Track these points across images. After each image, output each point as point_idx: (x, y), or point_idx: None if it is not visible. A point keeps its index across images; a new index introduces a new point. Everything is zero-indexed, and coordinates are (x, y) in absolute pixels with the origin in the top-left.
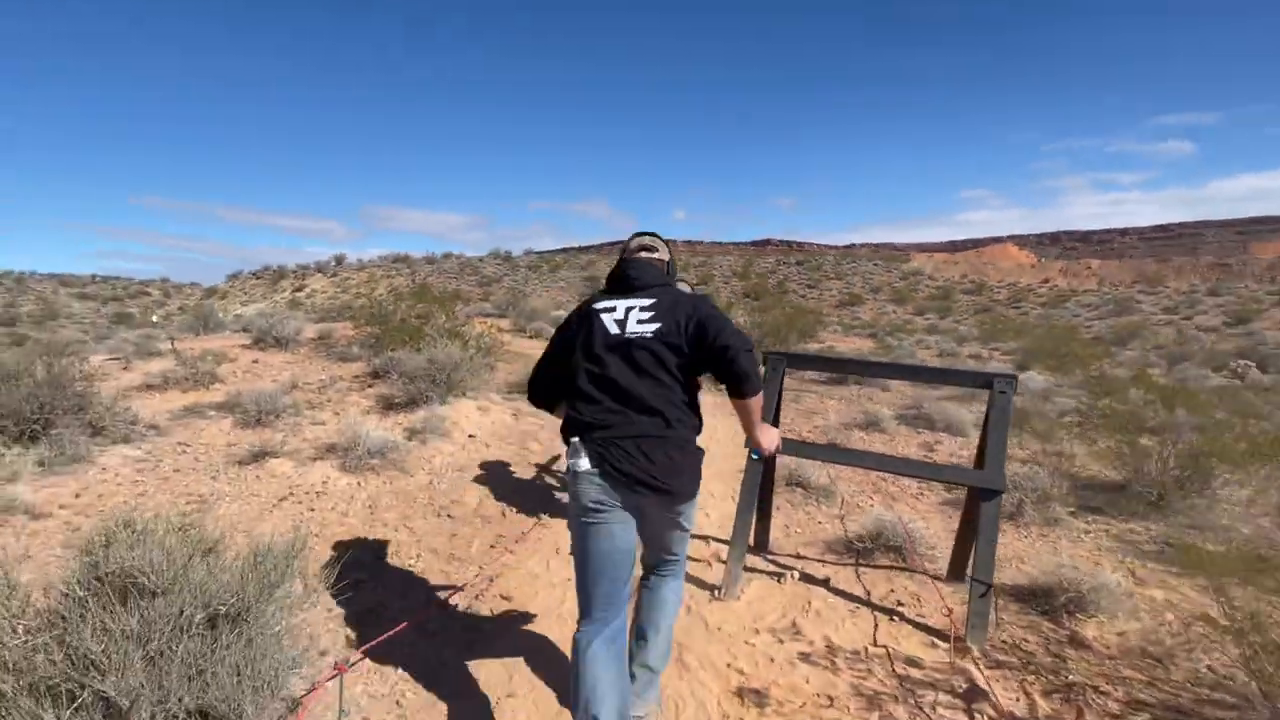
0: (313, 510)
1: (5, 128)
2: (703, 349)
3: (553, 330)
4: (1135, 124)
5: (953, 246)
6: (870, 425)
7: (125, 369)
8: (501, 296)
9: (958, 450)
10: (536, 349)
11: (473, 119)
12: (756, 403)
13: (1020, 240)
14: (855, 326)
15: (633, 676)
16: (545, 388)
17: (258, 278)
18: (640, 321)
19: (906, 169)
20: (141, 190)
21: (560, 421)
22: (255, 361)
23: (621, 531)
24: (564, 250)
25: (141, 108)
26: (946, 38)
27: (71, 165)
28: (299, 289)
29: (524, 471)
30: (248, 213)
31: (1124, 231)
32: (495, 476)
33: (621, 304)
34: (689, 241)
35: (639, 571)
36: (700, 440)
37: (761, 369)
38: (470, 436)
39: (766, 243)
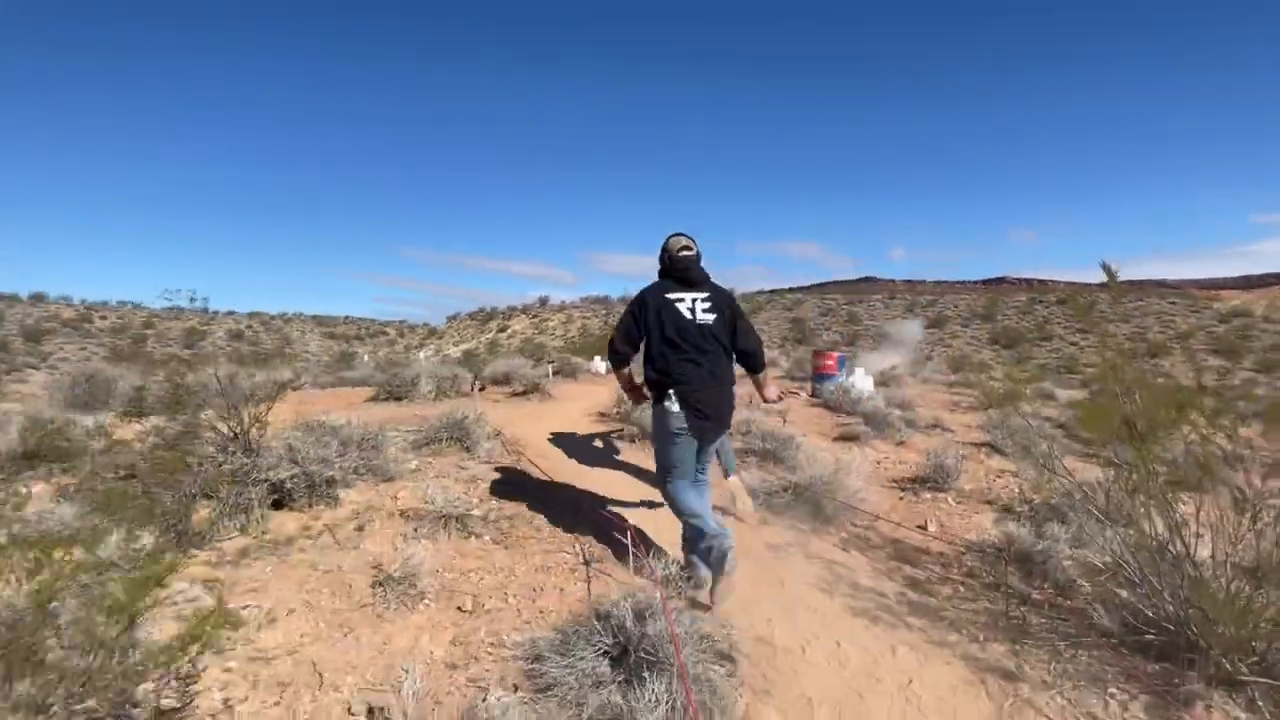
0: None
1: (309, 195)
2: (737, 340)
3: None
4: None
5: (1246, 282)
6: None
7: None
8: None
9: None
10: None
11: (682, 162)
12: (765, 375)
13: None
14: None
15: None
16: (626, 356)
17: (472, 318)
18: (704, 311)
19: (1175, 192)
20: (410, 245)
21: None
22: None
23: (688, 446)
24: (771, 291)
25: (409, 177)
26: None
27: (357, 224)
28: (503, 329)
29: None
30: (489, 261)
31: None
32: None
33: (688, 296)
34: (909, 281)
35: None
36: None
37: None
38: None
39: (1002, 280)
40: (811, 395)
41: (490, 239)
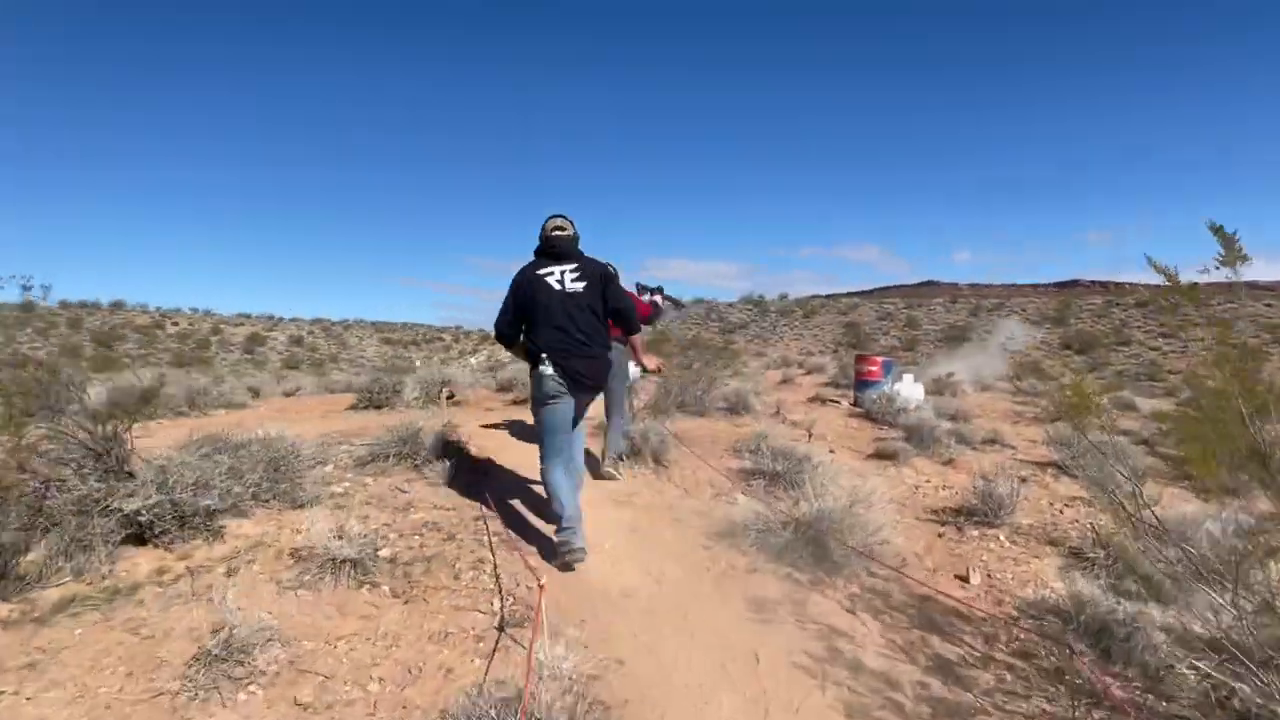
0: None
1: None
2: (608, 301)
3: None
4: None
5: None
6: None
7: None
8: (701, 352)
9: None
10: None
11: (744, 168)
12: (639, 339)
13: None
14: None
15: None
16: (510, 335)
17: None
18: (573, 280)
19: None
20: (470, 253)
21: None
22: None
23: (565, 410)
24: (826, 296)
25: (467, 184)
26: None
27: (420, 233)
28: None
29: None
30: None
31: None
32: None
33: (557, 269)
34: (974, 284)
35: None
36: None
37: None
38: None
39: (1074, 283)
40: (853, 404)
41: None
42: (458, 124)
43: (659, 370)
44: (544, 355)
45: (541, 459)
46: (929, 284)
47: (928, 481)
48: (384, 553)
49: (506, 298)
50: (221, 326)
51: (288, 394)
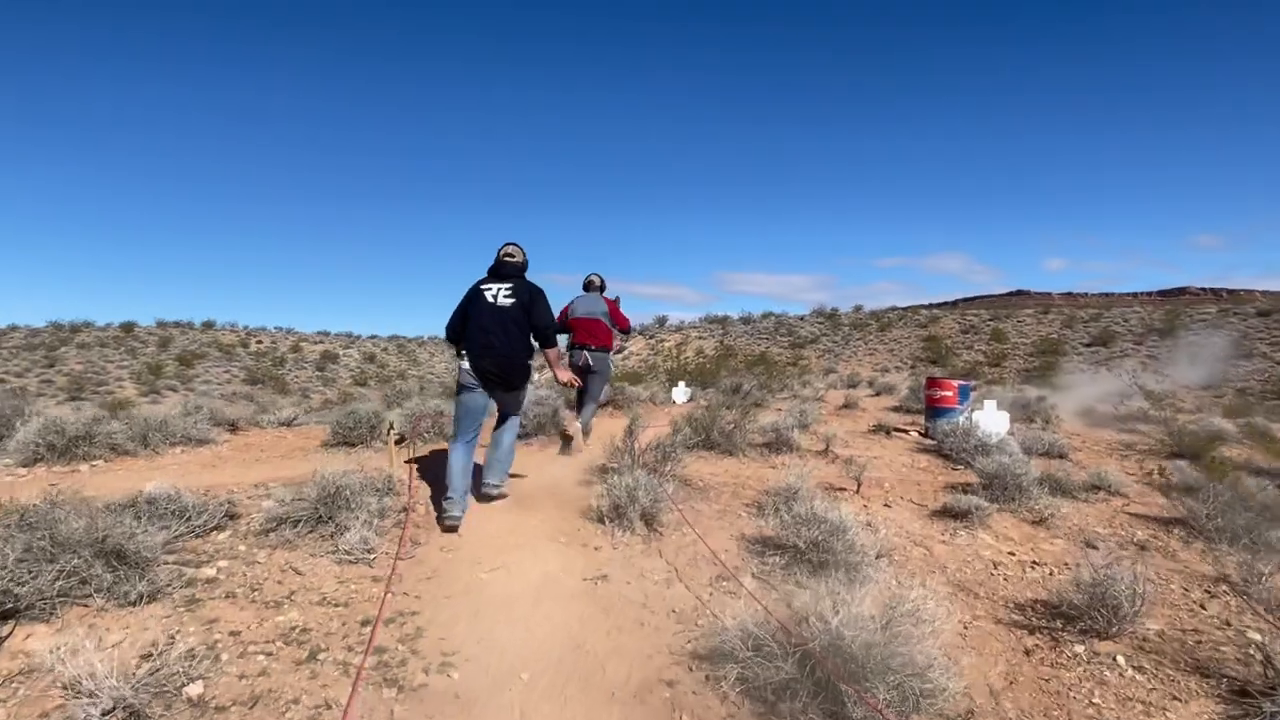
0: None
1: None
2: (532, 317)
3: None
4: None
5: None
6: None
7: None
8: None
9: None
10: None
11: (824, 178)
12: (554, 353)
13: None
14: None
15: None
16: (457, 333)
17: None
18: (505, 297)
19: None
20: (557, 270)
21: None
22: None
23: (477, 399)
24: (905, 308)
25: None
26: None
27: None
28: (619, 350)
29: None
30: (620, 285)
31: None
32: None
33: (496, 286)
34: (1068, 294)
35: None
36: None
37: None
38: None
39: (1182, 291)
40: (923, 434)
41: (635, 263)
42: (546, 134)
43: (570, 384)
44: (464, 353)
45: (450, 438)
46: (1019, 294)
47: (1011, 554)
48: (193, 689)
49: (459, 303)
50: (301, 344)
51: (284, 423)
